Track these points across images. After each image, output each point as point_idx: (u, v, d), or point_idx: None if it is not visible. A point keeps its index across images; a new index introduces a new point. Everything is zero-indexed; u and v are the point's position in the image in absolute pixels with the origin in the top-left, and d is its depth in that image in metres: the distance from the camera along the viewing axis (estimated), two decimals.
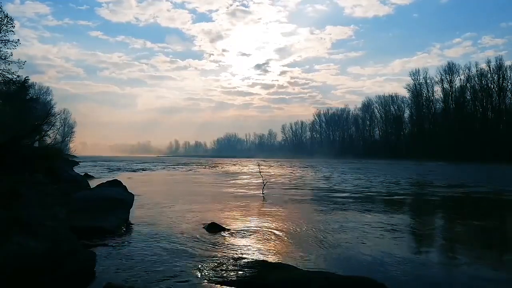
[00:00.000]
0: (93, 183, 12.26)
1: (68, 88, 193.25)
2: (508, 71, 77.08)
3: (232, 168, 36.30)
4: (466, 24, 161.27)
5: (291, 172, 29.00)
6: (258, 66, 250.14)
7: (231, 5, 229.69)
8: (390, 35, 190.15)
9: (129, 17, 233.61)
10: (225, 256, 4.73)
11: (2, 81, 28.70)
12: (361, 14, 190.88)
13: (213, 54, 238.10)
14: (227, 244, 5.39)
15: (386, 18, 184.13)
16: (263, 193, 12.31)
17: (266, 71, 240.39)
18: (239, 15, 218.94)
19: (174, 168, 35.90)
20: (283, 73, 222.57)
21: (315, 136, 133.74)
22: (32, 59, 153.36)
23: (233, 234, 6.00)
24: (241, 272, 3.96)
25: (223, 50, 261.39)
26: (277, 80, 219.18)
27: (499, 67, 77.51)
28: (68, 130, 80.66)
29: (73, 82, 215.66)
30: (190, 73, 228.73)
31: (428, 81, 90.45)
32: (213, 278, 3.85)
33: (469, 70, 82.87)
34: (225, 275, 3.92)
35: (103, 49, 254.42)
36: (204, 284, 3.73)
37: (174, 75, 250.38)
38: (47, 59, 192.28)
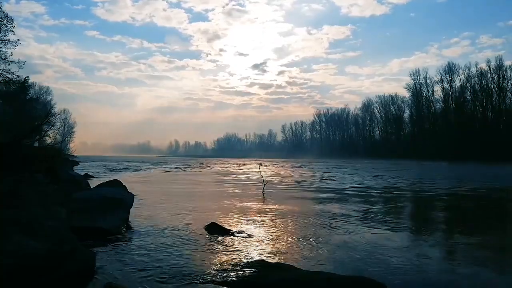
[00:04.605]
0: (93, 183, 12.26)
1: (67, 88, 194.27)
2: (508, 71, 77.19)
3: (232, 168, 36.28)
4: (463, 23, 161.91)
5: (291, 172, 28.99)
6: (255, 66, 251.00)
7: (227, 4, 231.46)
8: (388, 35, 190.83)
9: (125, 16, 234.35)
10: (225, 256, 4.72)
11: (2, 81, 28.62)
12: (358, 13, 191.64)
13: (210, 54, 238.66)
14: (228, 244, 5.39)
15: (383, 18, 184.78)
16: (263, 193, 12.30)
17: (264, 71, 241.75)
18: (235, 14, 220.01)
19: (174, 168, 35.90)
20: (281, 73, 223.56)
21: (315, 136, 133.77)
22: (29, 58, 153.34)
23: (234, 235, 5.99)
24: (241, 272, 3.96)
25: (221, 50, 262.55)
26: (275, 80, 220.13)
27: (499, 67, 77.58)
28: (68, 130, 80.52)
29: (71, 82, 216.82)
30: (188, 73, 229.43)
31: (428, 81, 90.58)
32: (213, 278, 3.85)
33: (469, 70, 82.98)
34: (225, 275, 3.92)
35: (100, 48, 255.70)
36: (204, 284, 3.73)
37: (172, 75, 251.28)
38: (44, 58, 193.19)
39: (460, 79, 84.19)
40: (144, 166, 38.15)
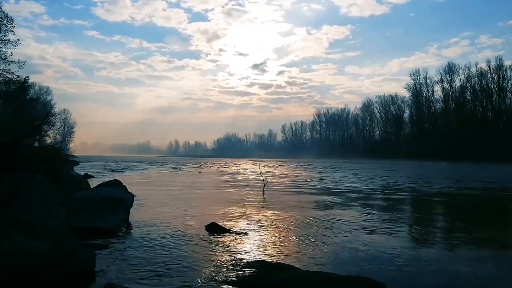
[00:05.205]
0: (93, 183, 12.26)
1: (67, 88, 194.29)
2: (508, 71, 77.23)
3: (232, 168, 36.29)
4: (463, 23, 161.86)
5: (291, 172, 29.00)
6: (255, 66, 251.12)
7: (226, 4, 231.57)
8: (387, 35, 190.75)
9: (125, 16, 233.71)
10: (225, 256, 4.73)
11: (2, 81, 28.61)
12: (357, 13, 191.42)
13: (210, 54, 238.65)
14: (227, 244, 5.39)
15: (383, 18, 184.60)
16: (263, 193, 12.31)
17: (263, 70, 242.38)
18: (235, 14, 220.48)
19: (174, 168, 35.89)
20: (280, 72, 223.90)
21: (315, 136, 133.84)
22: (29, 58, 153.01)
23: (233, 234, 5.99)
24: (241, 272, 3.96)
25: (220, 50, 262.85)
26: (275, 80, 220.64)
27: (499, 67, 77.62)
28: (68, 130, 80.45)
29: (71, 82, 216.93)
30: (188, 73, 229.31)
31: (428, 81, 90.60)
32: (213, 278, 3.85)
33: (469, 70, 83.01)
34: (225, 275, 3.92)
35: (100, 48, 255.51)
36: (204, 284, 3.73)
37: (171, 75, 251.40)
38: (44, 58, 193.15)
39: (460, 79, 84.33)
40: (144, 166, 38.15)
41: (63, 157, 19.57)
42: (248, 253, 4.91)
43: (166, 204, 9.59)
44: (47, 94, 64.02)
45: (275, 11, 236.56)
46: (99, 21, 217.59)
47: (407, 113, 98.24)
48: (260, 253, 4.99)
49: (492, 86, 78.72)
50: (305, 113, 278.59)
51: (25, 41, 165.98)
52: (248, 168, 37.42)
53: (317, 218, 7.62)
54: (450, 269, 4.52)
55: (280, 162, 61.43)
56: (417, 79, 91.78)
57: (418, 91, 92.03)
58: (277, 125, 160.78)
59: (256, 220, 7.42)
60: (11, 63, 27.81)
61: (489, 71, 79.04)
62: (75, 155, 39.21)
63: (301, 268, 4.15)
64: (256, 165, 40.65)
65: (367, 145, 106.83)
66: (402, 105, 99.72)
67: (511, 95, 76.92)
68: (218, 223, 6.52)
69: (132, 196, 7.81)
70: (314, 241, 5.63)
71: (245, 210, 8.73)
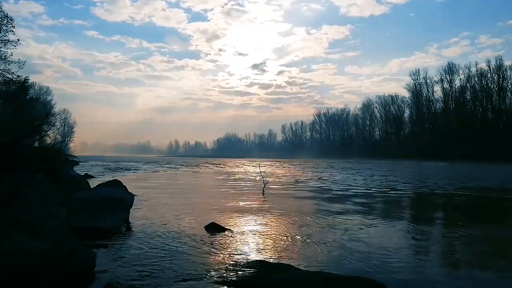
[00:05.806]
0: (93, 183, 12.26)
1: (67, 88, 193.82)
2: (508, 71, 77.11)
3: (232, 168, 36.29)
4: (463, 23, 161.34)
5: (291, 172, 29.00)
6: (255, 66, 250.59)
7: (226, 4, 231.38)
8: (387, 35, 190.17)
9: (124, 16, 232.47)
10: (225, 256, 4.73)
11: (2, 81, 28.59)
12: (357, 13, 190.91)
13: (209, 54, 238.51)
14: (227, 244, 5.39)
15: (383, 18, 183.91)
16: (263, 193, 12.31)
17: (263, 70, 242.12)
18: (234, 14, 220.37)
19: (173, 168, 35.90)
20: (280, 72, 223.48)
21: (315, 136, 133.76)
22: (29, 58, 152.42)
23: (233, 234, 6.00)
24: (241, 272, 3.96)
25: (220, 50, 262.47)
26: (275, 80, 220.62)
27: (499, 67, 77.52)
28: (68, 130, 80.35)
29: (71, 82, 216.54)
30: (188, 73, 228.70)
31: (428, 81, 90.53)
32: (213, 278, 3.85)
33: (469, 70, 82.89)
34: (225, 275, 3.92)
35: (100, 48, 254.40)
36: (204, 284, 3.73)
37: (171, 75, 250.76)
38: (44, 58, 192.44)
39: (460, 79, 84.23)
40: (144, 166, 38.16)
41: (63, 157, 19.54)
42: (248, 253, 4.91)
43: (165, 204, 9.59)
44: (47, 94, 63.94)
45: (275, 11, 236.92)
46: (99, 21, 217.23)
47: (407, 113, 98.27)
48: (260, 253, 4.99)
49: (492, 86, 78.69)
50: (305, 113, 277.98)
51: (25, 41, 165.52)
52: (248, 168, 37.41)
53: (317, 218, 7.62)
54: (449, 269, 4.52)
55: (280, 162, 61.42)
56: (417, 79, 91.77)
57: (418, 91, 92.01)
58: (277, 125, 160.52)
59: (256, 220, 7.42)
60: (11, 63, 27.78)
61: (489, 71, 79.04)
62: (75, 155, 39.15)
63: (301, 268, 4.16)
64: (255, 165, 40.67)
65: (367, 145, 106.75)
66: (402, 105, 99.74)
67: (511, 95, 76.90)
68: (218, 223, 6.53)
69: (132, 196, 7.81)
70: (314, 241, 5.64)
71: (245, 210, 8.73)
